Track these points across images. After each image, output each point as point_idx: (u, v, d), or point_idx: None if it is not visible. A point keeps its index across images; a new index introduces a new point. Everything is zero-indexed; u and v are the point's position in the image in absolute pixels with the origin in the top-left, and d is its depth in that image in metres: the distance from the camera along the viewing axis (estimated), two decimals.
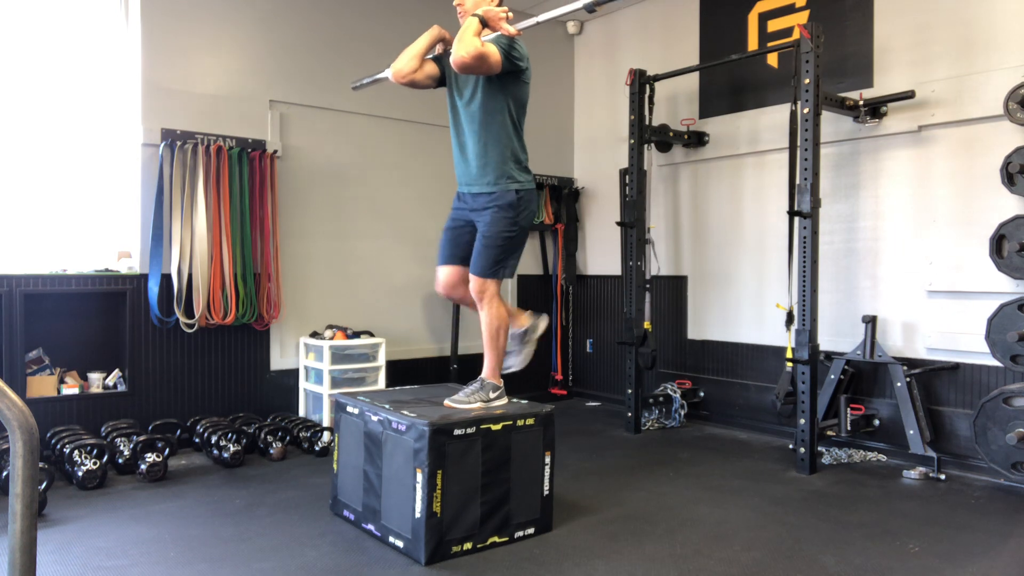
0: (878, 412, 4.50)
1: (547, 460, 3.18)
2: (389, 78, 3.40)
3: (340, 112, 5.35)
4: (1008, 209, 3.98)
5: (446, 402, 3.20)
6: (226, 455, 4.14)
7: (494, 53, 3.07)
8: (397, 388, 3.79)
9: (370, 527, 3.13)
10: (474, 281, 3.24)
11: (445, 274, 3.41)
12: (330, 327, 5.08)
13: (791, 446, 4.53)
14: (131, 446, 4.01)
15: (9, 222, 4.38)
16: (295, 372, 5.13)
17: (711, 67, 5.30)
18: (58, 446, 3.98)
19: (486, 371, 3.28)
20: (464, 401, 3.17)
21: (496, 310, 3.22)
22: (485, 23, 3.10)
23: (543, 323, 3.58)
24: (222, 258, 4.65)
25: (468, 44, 2.99)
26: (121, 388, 4.53)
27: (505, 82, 3.20)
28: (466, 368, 5.48)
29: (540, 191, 6.29)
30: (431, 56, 3.37)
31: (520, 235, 3.28)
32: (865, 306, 4.63)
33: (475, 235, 3.30)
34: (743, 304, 5.34)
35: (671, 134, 5.46)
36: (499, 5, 3.25)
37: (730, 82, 5.42)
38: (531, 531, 3.12)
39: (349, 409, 3.35)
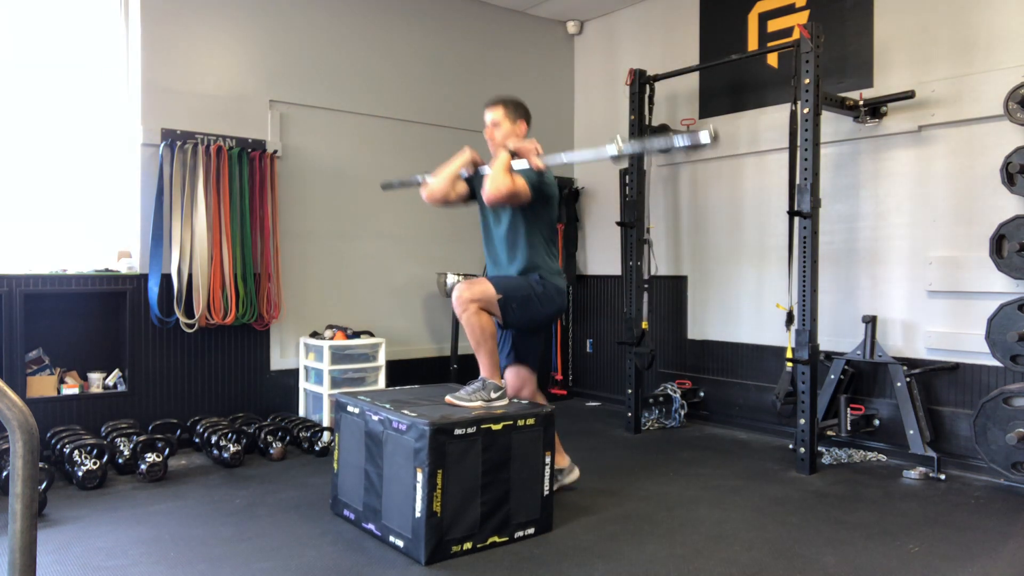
0: (878, 412, 4.50)
1: (547, 460, 3.18)
2: (421, 194, 3.58)
3: (340, 112, 5.35)
4: (1008, 209, 3.98)
5: (448, 397, 3.21)
6: (226, 455, 4.14)
7: (524, 188, 3.27)
8: (397, 388, 3.79)
9: (370, 527, 3.13)
10: (479, 282, 3.29)
11: (511, 376, 3.56)
12: (330, 327, 5.08)
13: (791, 446, 4.53)
14: (131, 446, 4.01)
15: (9, 222, 4.38)
16: (295, 372, 5.13)
17: (711, 67, 5.30)
18: (58, 446, 3.98)
19: (484, 371, 3.29)
20: (466, 399, 3.18)
21: (474, 317, 3.22)
22: (515, 155, 3.29)
23: (576, 475, 3.74)
24: (222, 258, 4.65)
25: (501, 182, 3.20)
26: (121, 388, 4.53)
27: (535, 208, 3.40)
28: (466, 368, 5.48)
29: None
30: (464, 176, 3.55)
31: (541, 300, 3.38)
32: (865, 306, 4.63)
33: (521, 333, 3.51)
34: (743, 304, 5.34)
35: (671, 134, 5.45)
36: (526, 135, 3.48)
37: (730, 82, 5.42)
38: (531, 531, 3.12)
39: (350, 409, 3.35)
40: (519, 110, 3.54)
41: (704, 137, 2.79)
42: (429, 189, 3.50)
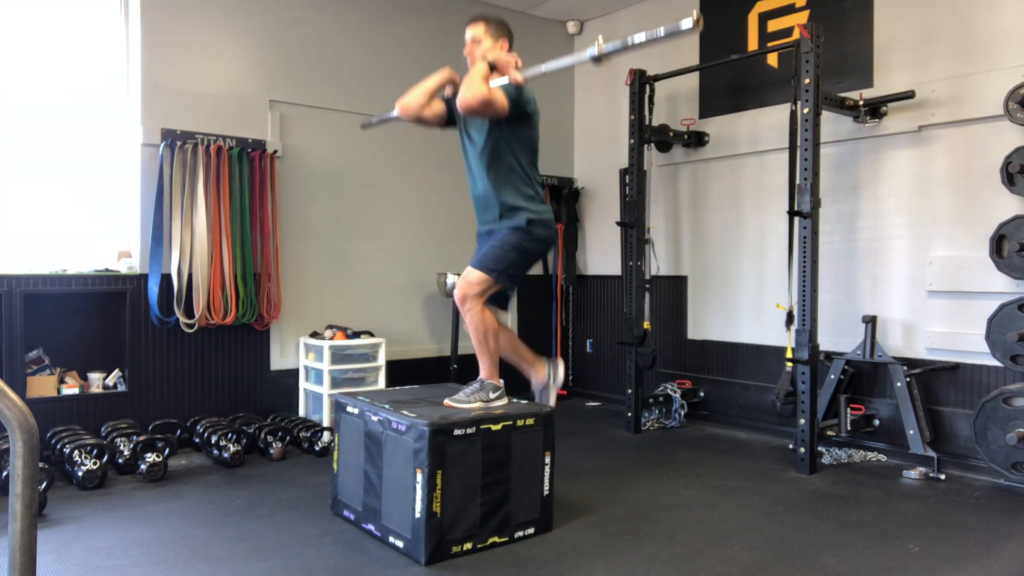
0: (878, 412, 4.50)
1: (547, 460, 3.18)
2: (396, 109, 3.42)
3: (340, 112, 5.35)
4: (1008, 209, 3.98)
5: (446, 401, 3.20)
6: (226, 455, 4.14)
7: (500, 98, 3.11)
8: (397, 388, 3.79)
9: (370, 527, 3.13)
10: (469, 274, 3.24)
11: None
12: (330, 327, 5.08)
13: (791, 446, 4.53)
14: (131, 446, 4.01)
15: (9, 222, 4.38)
16: (295, 372, 5.12)
17: (711, 67, 5.29)
18: (58, 446, 3.98)
19: (484, 372, 3.28)
20: (464, 401, 3.17)
21: (479, 315, 3.21)
22: (494, 68, 3.15)
23: (561, 368, 3.60)
24: (222, 258, 4.65)
25: (475, 89, 3.05)
26: (121, 388, 4.53)
27: (513, 126, 3.25)
28: (466, 368, 5.47)
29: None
30: (441, 96, 3.40)
31: (531, 251, 3.30)
32: (865, 306, 4.63)
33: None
34: (743, 304, 5.34)
35: (671, 134, 5.46)
36: (509, 51, 3.33)
37: (730, 82, 5.42)
38: (531, 531, 3.12)
39: (349, 409, 3.35)
40: (501, 27, 3.38)
41: (686, 23, 2.73)
42: (403, 101, 3.34)
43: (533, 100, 3.30)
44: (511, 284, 3.32)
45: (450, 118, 3.45)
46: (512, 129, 3.25)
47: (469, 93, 3.04)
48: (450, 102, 3.40)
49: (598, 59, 2.92)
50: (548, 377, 3.53)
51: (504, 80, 3.14)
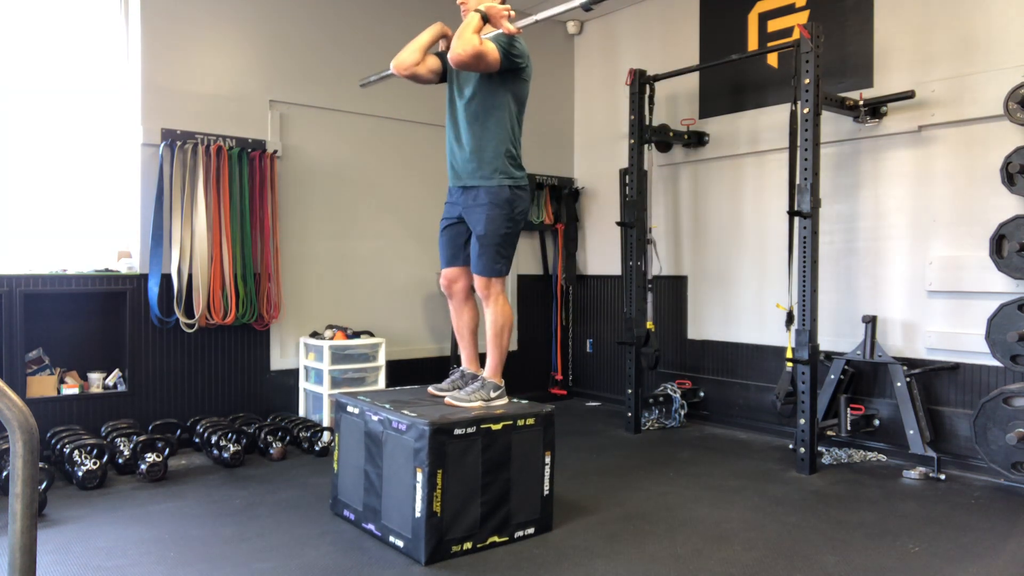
0: (878, 412, 4.50)
1: (547, 460, 3.18)
2: (391, 67, 3.38)
3: (340, 112, 5.35)
4: (1008, 209, 3.98)
5: (447, 399, 3.21)
6: (226, 455, 4.14)
7: (492, 51, 3.06)
8: (397, 388, 3.79)
9: (370, 527, 3.13)
10: (479, 281, 3.25)
11: (448, 275, 3.43)
12: (330, 327, 5.08)
13: (791, 446, 4.53)
14: (131, 446, 4.01)
15: (9, 222, 4.38)
16: (295, 372, 5.12)
17: (711, 67, 5.30)
18: (58, 446, 3.98)
19: (488, 370, 3.29)
20: (465, 399, 3.17)
21: (502, 307, 3.25)
22: (487, 19, 3.08)
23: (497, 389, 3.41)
24: (222, 258, 4.65)
25: (466, 41, 2.99)
26: (121, 388, 4.53)
27: (505, 79, 3.19)
28: None
29: (540, 191, 6.29)
30: (434, 51, 3.37)
31: (516, 229, 3.28)
32: (865, 306, 4.63)
33: (470, 232, 3.29)
34: (743, 304, 5.34)
35: (671, 134, 5.46)
36: (502, 2, 3.22)
37: (730, 82, 5.42)
38: (531, 531, 3.12)
39: (349, 409, 3.35)
40: None
41: None
42: (398, 59, 3.28)
43: (526, 54, 3.23)
44: (509, 264, 3.30)
45: (444, 73, 3.40)
46: (504, 82, 3.20)
47: (460, 46, 2.99)
48: (443, 56, 3.36)
49: (588, 6, 2.88)
50: (477, 386, 3.31)
51: (496, 32, 3.09)
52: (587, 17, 6.48)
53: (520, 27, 3.06)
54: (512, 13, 3.10)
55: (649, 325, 5.28)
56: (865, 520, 3.36)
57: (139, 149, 4.55)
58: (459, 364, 3.61)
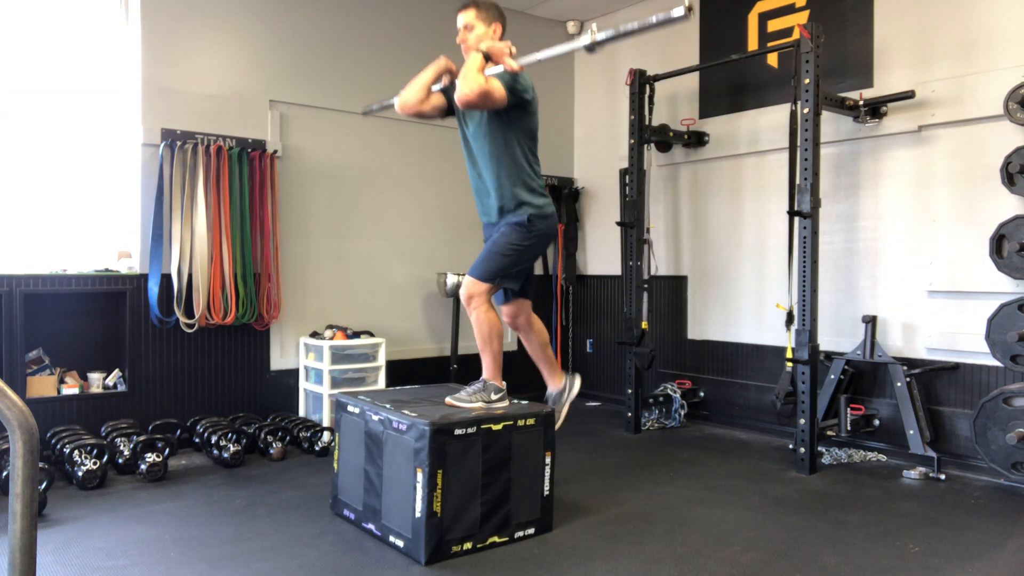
0: (878, 412, 4.50)
1: (547, 460, 3.18)
2: (395, 105, 3.41)
3: (340, 112, 5.35)
4: (1008, 209, 3.98)
5: (448, 400, 3.21)
6: (226, 455, 4.14)
7: (498, 89, 3.08)
8: (397, 388, 3.79)
9: (370, 527, 3.13)
10: (465, 281, 3.25)
11: (507, 312, 3.45)
12: (330, 327, 5.08)
13: (791, 446, 4.53)
14: (131, 446, 4.01)
15: (9, 222, 4.38)
16: (295, 372, 5.13)
17: (711, 67, 5.30)
18: (58, 446, 3.98)
19: (486, 372, 3.28)
20: (466, 400, 3.17)
21: (484, 316, 3.21)
22: (489, 58, 3.10)
23: (577, 383, 3.61)
24: (222, 258, 4.65)
25: (472, 81, 3.01)
26: (121, 388, 4.53)
27: (512, 114, 3.21)
28: (466, 368, 5.48)
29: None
30: (438, 88, 3.37)
31: (531, 247, 3.28)
32: (865, 306, 4.63)
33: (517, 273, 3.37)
34: (743, 304, 5.34)
35: (671, 134, 5.46)
36: (502, 39, 3.27)
37: (730, 82, 5.42)
38: (531, 531, 3.12)
39: (350, 409, 3.35)
40: (493, 11, 3.32)
41: (677, 11, 2.69)
42: (402, 99, 3.31)
43: (531, 87, 3.25)
44: (513, 282, 3.31)
45: (449, 108, 3.41)
46: (511, 118, 3.21)
47: (467, 87, 3.00)
48: (448, 92, 3.36)
49: (591, 48, 2.87)
50: (564, 388, 3.55)
51: (499, 68, 3.09)
52: (587, 17, 6.49)
53: (522, 64, 3.07)
54: (514, 50, 3.11)
55: (644, 325, 5.28)
56: (865, 520, 3.36)
57: (139, 149, 4.55)
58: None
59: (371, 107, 4.01)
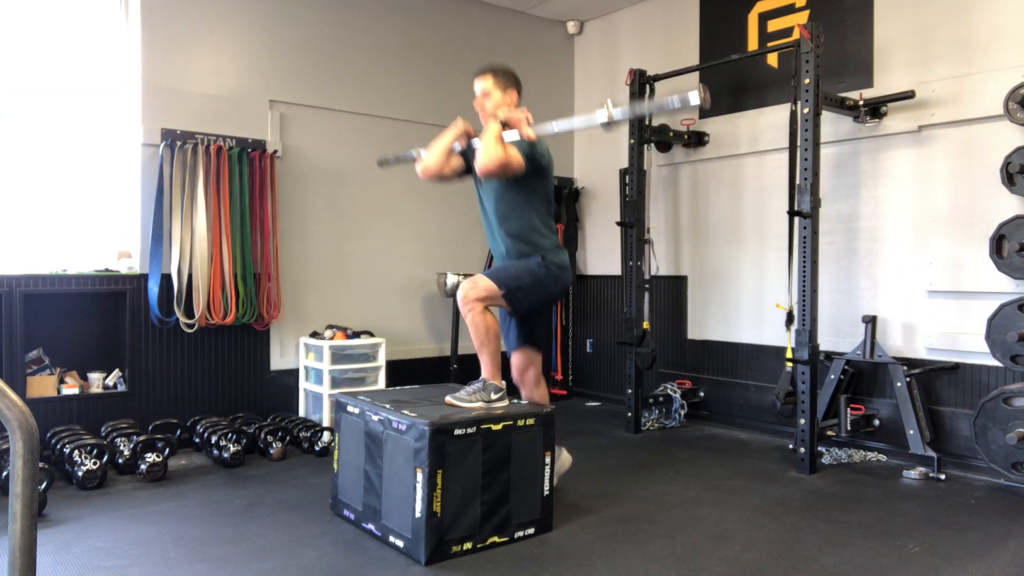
0: (878, 412, 4.50)
1: (547, 460, 3.18)
2: (417, 170, 3.51)
3: (340, 112, 5.35)
4: (1008, 209, 3.98)
5: (448, 399, 3.21)
6: (226, 455, 4.14)
7: (516, 157, 3.18)
8: (397, 388, 3.79)
9: (370, 527, 3.13)
10: (479, 279, 3.25)
11: (517, 363, 3.50)
12: (330, 327, 5.08)
13: (791, 446, 4.53)
14: (131, 446, 4.01)
15: (9, 222, 4.38)
16: (295, 372, 5.13)
17: (711, 67, 5.30)
18: (58, 446, 3.98)
19: (485, 372, 3.29)
20: (466, 399, 3.18)
21: (480, 317, 3.22)
22: (506, 125, 3.21)
23: (567, 459, 3.68)
24: (222, 258, 4.65)
25: (492, 153, 3.11)
26: (121, 388, 4.53)
27: (528, 179, 3.30)
28: (466, 368, 5.48)
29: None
30: (458, 150, 3.46)
31: (545, 281, 3.33)
32: (865, 306, 4.63)
33: (526, 316, 3.46)
34: (743, 304, 5.34)
35: (671, 134, 5.46)
36: (518, 104, 3.38)
37: (730, 82, 5.42)
38: (531, 531, 3.12)
39: (350, 409, 3.35)
40: (509, 78, 3.43)
41: (693, 97, 2.74)
42: (423, 164, 3.42)
43: (547, 152, 3.37)
44: (517, 307, 3.33)
45: (467, 168, 3.52)
46: (527, 182, 3.32)
47: (487, 158, 3.12)
48: (466, 154, 3.48)
49: (608, 124, 3.01)
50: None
51: (516, 135, 3.21)
52: (587, 17, 6.49)
53: (540, 134, 3.20)
54: (531, 118, 3.23)
55: (645, 325, 5.28)
56: (865, 520, 3.36)
57: (139, 149, 4.55)
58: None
59: (387, 159, 4.15)
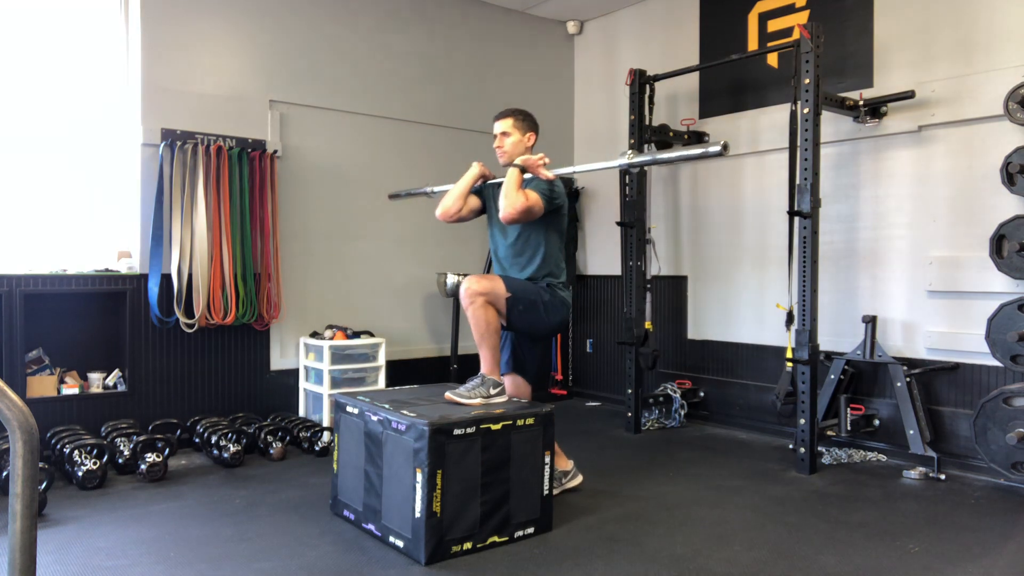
0: (878, 412, 4.50)
1: (547, 460, 3.18)
2: (436, 213, 3.59)
3: (340, 112, 5.35)
4: (1008, 209, 3.98)
5: (447, 394, 3.23)
6: (226, 455, 4.14)
7: (537, 202, 3.30)
8: (397, 388, 3.79)
9: (370, 527, 3.13)
10: (472, 279, 3.26)
11: (511, 387, 3.54)
12: (330, 327, 5.08)
13: (791, 446, 4.53)
14: (131, 446, 4.01)
15: (9, 222, 4.38)
16: (295, 372, 5.13)
17: (711, 67, 5.29)
18: (58, 446, 3.98)
19: (484, 368, 3.30)
20: (465, 395, 3.19)
21: (481, 310, 3.23)
22: (524, 170, 3.33)
23: (579, 479, 3.75)
24: (222, 258, 4.65)
25: (514, 200, 3.24)
26: (121, 388, 4.53)
27: (546, 217, 3.41)
28: (466, 368, 5.48)
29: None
30: (473, 190, 3.59)
31: (548, 306, 3.39)
32: (865, 306, 4.63)
33: (521, 340, 3.57)
34: (743, 304, 5.34)
35: (671, 134, 5.45)
36: (534, 147, 3.54)
37: (730, 82, 5.42)
38: (531, 531, 3.12)
39: (349, 409, 3.35)
40: (528, 121, 3.56)
41: (714, 148, 2.84)
42: (443, 208, 3.53)
43: (563, 193, 3.49)
44: (514, 317, 3.34)
45: (482, 208, 3.64)
46: (544, 220, 3.42)
47: (510, 205, 3.24)
48: (480, 192, 3.61)
49: (627, 171, 3.14)
50: (570, 473, 3.71)
51: (533, 177, 3.36)
52: (587, 17, 6.49)
53: (556, 174, 3.36)
54: (547, 160, 3.39)
55: (647, 325, 5.28)
56: (865, 520, 3.36)
57: (139, 149, 4.55)
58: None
59: (399, 193, 4.34)
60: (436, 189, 4.02)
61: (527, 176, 3.37)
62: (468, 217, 3.60)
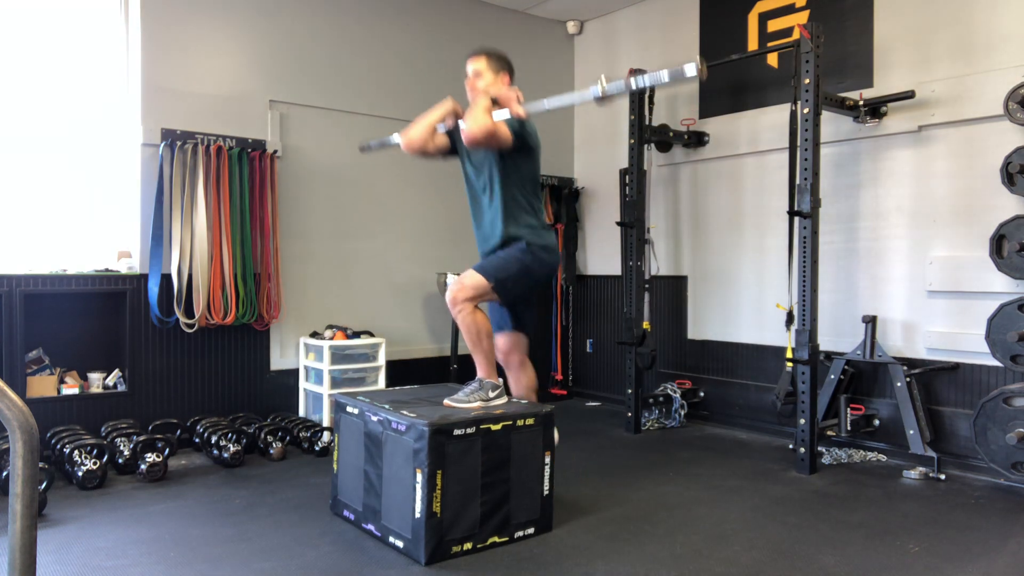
0: (878, 412, 4.50)
1: (547, 460, 3.18)
2: (399, 144, 3.50)
3: (340, 112, 5.35)
4: (1008, 209, 3.98)
5: (446, 401, 3.21)
6: (226, 455, 4.14)
7: (504, 131, 3.19)
8: (397, 388, 3.79)
9: (370, 527, 3.13)
10: (465, 277, 3.27)
11: (501, 345, 3.49)
12: (330, 327, 5.08)
13: (791, 446, 4.53)
14: (131, 446, 4.01)
15: (9, 222, 4.38)
16: (295, 372, 5.12)
17: (711, 67, 5.27)
18: (58, 446, 3.98)
19: (481, 371, 3.30)
20: (464, 400, 3.18)
21: (470, 317, 3.23)
22: (496, 102, 3.23)
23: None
24: (222, 258, 4.65)
25: (479, 120, 3.12)
26: (121, 388, 4.53)
27: (515, 158, 3.31)
28: (466, 368, 5.46)
29: (540, 191, 6.31)
30: (443, 129, 3.46)
31: (531, 266, 3.32)
32: (865, 306, 4.63)
33: (516, 302, 3.46)
34: (743, 304, 5.34)
35: (671, 134, 5.46)
36: (510, 85, 3.39)
37: (730, 82, 5.42)
38: (531, 531, 3.12)
39: (349, 409, 3.35)
40: (502, 62, 3.44)
41: (690, 69, 2.76)
42: (407, 137, 3.42)
43: (535, 133, 3.38)
44: (506, 297, 3.34)
45: (452, 148, 3.52)
46: (514, 162, 3.33)
47: (474, 125, 3.12)
48: (452, 134, 3.48)
49: (601, 99, 3.00)
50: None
51: (506, 114, 3.21)
52: (587, 17, 6.49)
53: (530, 112, 3.20)
54: (521, 97, 3.24)
55: (646, 325, 5.28)
56: (865, 520, 3.36)
57: (139, 149, 4.55)
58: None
59: (368, 144, 4.12)
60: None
61: (500, 116, 3.21)
62: (433, 153, 3.48)
